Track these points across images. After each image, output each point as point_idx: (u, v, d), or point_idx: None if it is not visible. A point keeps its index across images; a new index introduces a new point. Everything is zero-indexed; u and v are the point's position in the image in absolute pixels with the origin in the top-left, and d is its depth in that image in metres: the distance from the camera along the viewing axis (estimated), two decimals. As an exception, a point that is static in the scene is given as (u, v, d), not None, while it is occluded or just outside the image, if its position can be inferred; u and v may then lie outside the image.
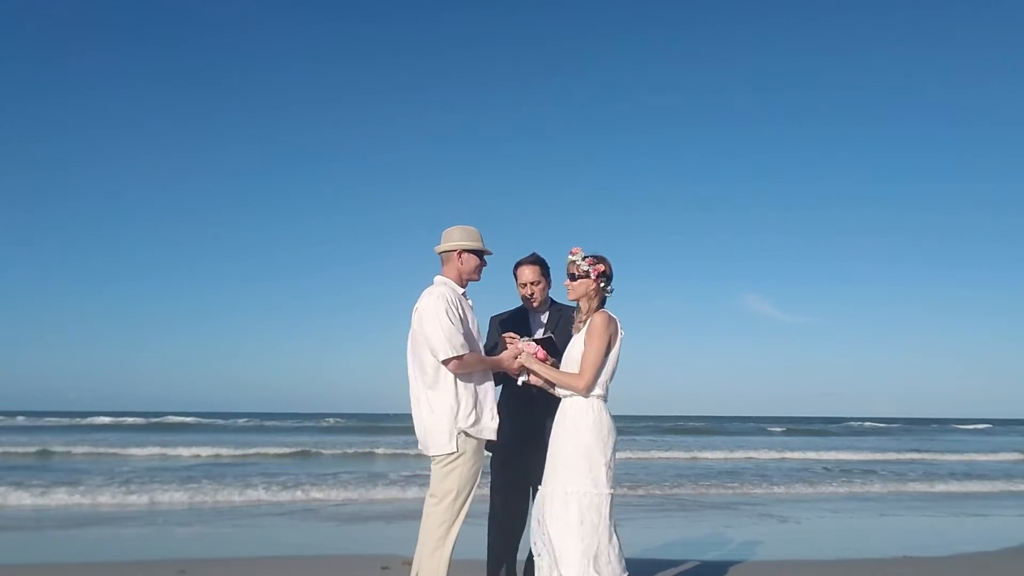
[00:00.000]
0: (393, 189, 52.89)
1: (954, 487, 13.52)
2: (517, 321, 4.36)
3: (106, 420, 41.75)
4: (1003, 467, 18.58)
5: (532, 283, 4.29)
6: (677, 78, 54.57)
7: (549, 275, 4.35)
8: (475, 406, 3.82)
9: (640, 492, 11.79)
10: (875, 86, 53.82)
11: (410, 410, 3.94)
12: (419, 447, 3.90)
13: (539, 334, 4.10)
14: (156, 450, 20.22)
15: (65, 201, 53.89)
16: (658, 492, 11.99)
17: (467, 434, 3.78)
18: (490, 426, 3.87)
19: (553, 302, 4.43)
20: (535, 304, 4.35)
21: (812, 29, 51.38)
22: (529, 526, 4.16)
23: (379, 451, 20.77)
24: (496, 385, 4.14)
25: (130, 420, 41.69)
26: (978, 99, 50.24)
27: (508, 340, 4.05)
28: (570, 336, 3.90)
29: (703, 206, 54.67)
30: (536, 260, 4.32)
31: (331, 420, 45.21)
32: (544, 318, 4.37)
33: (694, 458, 20.26)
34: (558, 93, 57.64)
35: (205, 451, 20.25)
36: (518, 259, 4.35)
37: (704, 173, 53.12)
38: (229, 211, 55.44)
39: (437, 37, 59.57)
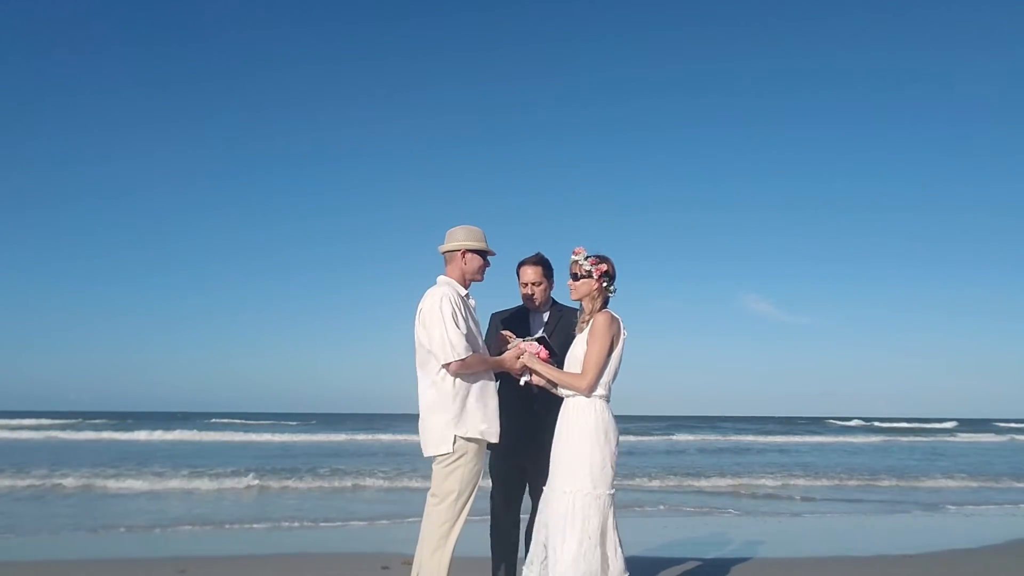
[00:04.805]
0: (394, 189, 52.93)
1: (946, 486, 13.55)
2: (517, 320, 4.34)
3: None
4: (991, 468, 18.61)
5: (533, 283, 4.25)
6: (677, 79, 54.75)
7: (552, 276, 4.32)
8: (477, 408, 3.80)
9: (640, 492, 11.78)
10: (875, 86, 53.93)
11: (411, 410, 3.93)
12: (421, 446, 3.89)
13: (539, 333, 4.09)
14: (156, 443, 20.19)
15: (65, 201, 53.89)
16: (658, 491, 11.98)
17: (467, 437, 3.76)
18: (491, 428, 3.83)
19: (555, 303, 4.40)
20: (536, 304, 4.33)
21: (813, 29, 51.52)
22: (528, 525, 4.17)
23: (379, 451, 20.75)
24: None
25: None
26: (978, 99, 50.39)
27: (507, 338, 4.04)
28: (569, 337, 3.88)
29: (704, 206, 54.81)
30: (539, 261, 4.28)
31: (330, 420, 45.16)
32: (545, 318, 4.34)
33: (693, 458, 20.24)
34: (558, 93, 57.84)
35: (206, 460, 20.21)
36: (522, 258, 4.31)
37: (704, 173, 53.30)
38: (230, 211, 55.48)
39: (437, 37, 59.61)
